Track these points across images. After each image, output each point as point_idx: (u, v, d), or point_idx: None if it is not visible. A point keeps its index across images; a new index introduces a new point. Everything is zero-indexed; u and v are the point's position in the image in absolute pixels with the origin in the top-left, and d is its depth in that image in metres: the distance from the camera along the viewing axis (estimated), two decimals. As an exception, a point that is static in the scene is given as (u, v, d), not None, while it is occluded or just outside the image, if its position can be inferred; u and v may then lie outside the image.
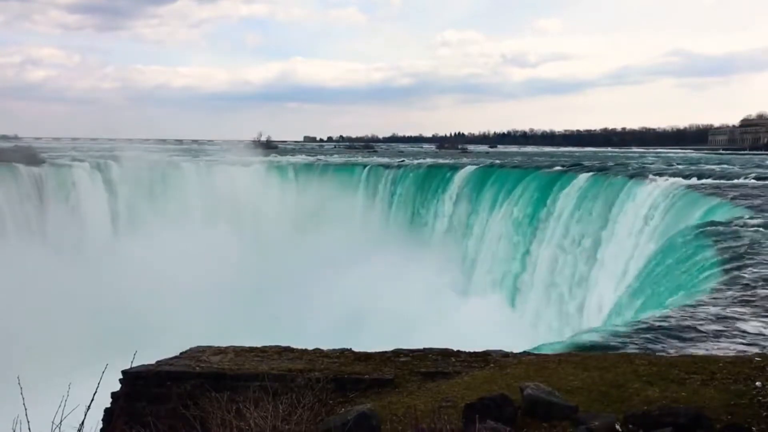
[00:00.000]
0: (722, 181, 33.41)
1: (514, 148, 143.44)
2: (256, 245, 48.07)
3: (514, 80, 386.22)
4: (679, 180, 32.91)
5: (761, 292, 13.41)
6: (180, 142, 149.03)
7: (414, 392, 8.22)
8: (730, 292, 13.54)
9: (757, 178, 34.96)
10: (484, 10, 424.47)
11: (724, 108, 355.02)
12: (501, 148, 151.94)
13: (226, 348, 10.10)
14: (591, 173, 39.99)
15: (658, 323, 11.83)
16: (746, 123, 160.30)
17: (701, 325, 11.47)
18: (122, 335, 29.78)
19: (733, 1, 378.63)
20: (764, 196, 26.93)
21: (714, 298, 13.25)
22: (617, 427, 6.14)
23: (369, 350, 9.81)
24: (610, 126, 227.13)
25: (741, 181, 34.00)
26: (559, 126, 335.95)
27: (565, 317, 32.61)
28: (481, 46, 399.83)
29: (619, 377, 7.72)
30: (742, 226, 19.94)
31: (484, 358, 9.27)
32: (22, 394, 5.39)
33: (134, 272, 39.63)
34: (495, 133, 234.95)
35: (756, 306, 12.50)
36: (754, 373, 7.63)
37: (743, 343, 10.57)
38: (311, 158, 69.95)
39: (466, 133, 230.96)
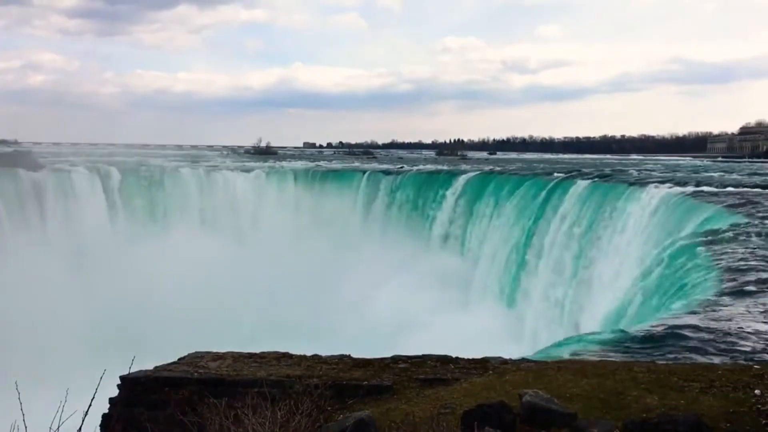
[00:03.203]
0: (720, 189, 33.44)
1: (513, 155, 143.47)
2: (255, 251, 48.04)
3: (514, 87, 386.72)
4: (677, 188, 32.92)
5: (757, 300, 13.42)
6: (180, 147, 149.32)
7: (412, 399, 8.20)
8: (727, 300, 13.55)
9: (757, 186, 35.01)
10: (485, 17, 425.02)
11: (723, 116, 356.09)
12: (500, 154, 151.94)
13: (225, 354, 10.09)
14: (590, 180, 40.04)
15: (657, 331, 11.82)
16: (745, 131, 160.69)
17: (700, 333, 11.46)
18: (120, 341, 29.76)
19: (732, 9, 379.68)
20: (761, 203, 26.97)
21: (713, 306, 13.25)
22: (616, 434, 6.13)
23: (367, 356, 9.80)
24: (610, 133, 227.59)
25: (739, 189, 34.03)
26: (559, 133, 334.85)
27: (564, 324, 32.55)
28: (481, 52, 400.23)
29: (618, 384, 7.71)
30: (738, 234, 19.97)
31: (483, 364, 9.26)
32: (19, 399, 5.38)
33: (133, 278, 39.58)
34: (494, 139, 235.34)
35: (752, 313, 12.50)
36: (753, 381, 7.62)
37: (740, 351, 10.57)
38: (311, 164, 70.02)
39: (465, 139, 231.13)
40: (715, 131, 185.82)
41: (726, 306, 13.14)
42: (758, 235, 19.76)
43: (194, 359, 9.95)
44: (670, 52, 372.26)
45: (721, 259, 16.81)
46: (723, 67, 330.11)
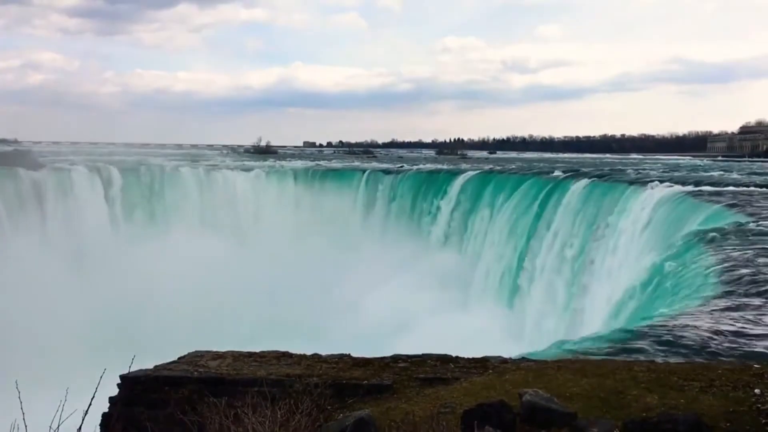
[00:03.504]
0: (720, 188, 33.42)
1: (513, 154, 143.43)
2: (255, 250, 48.05)
3: (514, 86, 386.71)
4: (677, 187, 32.83)
5: (757, 300, 13.42)
6: (180, 146, 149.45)
7: (412, 398, 8.20)
8: (726, 300, 13.55)
9: (756, 185, 35.01)
10: (484, 17, 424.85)
11: (723, 115, 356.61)
12: (500, 154, 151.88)
13: (225, 353, 10.08)
14: (589, 180, 39.99)
15: (656, 330, 11.83)
16: (745, 130, 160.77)
17: (700, 332, 11.47)
18: (120, 340, 29.77)
19: (732, 9, 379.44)
20: (761, 203, 26.95)
21: (712, 306, 13.26)
22: (616, 433, 6.13)
23: (367, 356, 9.80)
24: (610, 132, 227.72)
25: (739, 188, 34.02)
26: (559, 132, 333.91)
27: (564, 323, 32.53)
28: (481, 52, 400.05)
29: (618, 384, 7.71)
30: (739, 234, 19.94)
31: (483, 364, 9.26)
32: (20, 398, 5.38)
33: (133, 277, 39.59)
34: (494, 139, 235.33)
35: (751, 315, 12.51)
36: (753, 380, 7.62)
37: (740, 351, 10.58)
38: (311, 163, 70.06)
39: (465, 138, 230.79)
40: (715, 131, 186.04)
41: (725, 305, 13.14)
42: (757, 234, 19.70)
43: (194, 358, 9.94)
44: (670, 52, 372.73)
45: (722, 258, 16.77)
46: (723, 66, 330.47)
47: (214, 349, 10.25)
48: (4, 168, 46.59)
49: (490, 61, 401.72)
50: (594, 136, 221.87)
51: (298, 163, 69.60)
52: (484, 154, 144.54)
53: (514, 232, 41.27)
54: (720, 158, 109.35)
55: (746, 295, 13.74)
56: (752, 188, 33.85)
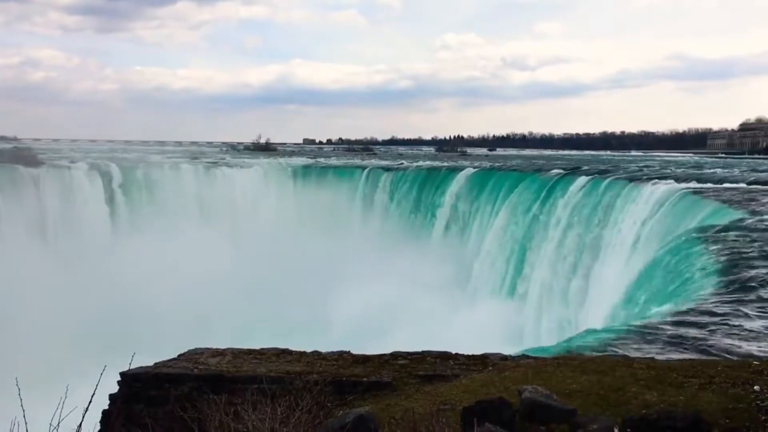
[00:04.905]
0: (720, 185, 33.40)
1: (513, 151, 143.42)
2: (255, 248, 48.00)
3: (513, 83, 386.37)
4: (677, 184, 32.81)
5: (756, 295, 13.43)
6: (179, 143, 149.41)
7: (412, 395, 8.21)
8: (727, 296, 13.56)
9: (755, 183, 35.01)
10: (484, 14, 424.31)
11: (723, 112, 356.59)
12: (500, 151, 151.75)
13: (224, 350, 10.10)
14: (590, 176, 39.99)
15: (656, 327, 11.84)
16: (745, 127, 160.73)
17: (699, 328, 11.48)
18: (120, 337, 29.75)
19: (732, 5, 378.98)
20: (761, 200, 26.94)
21: (711, 302, 13.27)
22: (616, 430, 6.13)
23: (367, 353, 9.81)
24: (609, 129, 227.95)
25: (738, 185, 34.01)
26: (558, 129, 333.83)
27: (564, 320, 32.58)
28: (481, 49, 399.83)
29: (617, 381, 7.72)
30: (739, 231, 19.94)
31: (483, 361, 9.27)
32: (20, 395, 5.38)
33: (133, 274, 39.54)
34: (494, 136, 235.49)
35: (751, 310, 12.52)
36: (752, 377, 7.62)
37: (740, 347, 10.59)
38: (311, 160, 69.96)
39: (465, 136, 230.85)
40: (715, 127, 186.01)
41: (725, 301, 13.15)
42: (757, 231, 19.66)
43: (194, 355, 9.96)
44: (670, 48, 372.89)
45: (722, 255, 16.76)
46: (722, 63, 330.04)
47: (214, 347, 10.27)
48: (4, 165, 46.56)
49: (490, 58, 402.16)
50: (594, 133, 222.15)
51: (298, 161, 69.52)
52: (484, 151, 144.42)
53: (515, 229, 41.32)
54: (722, 155, 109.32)
55: (745, 292, 13.74)
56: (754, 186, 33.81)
